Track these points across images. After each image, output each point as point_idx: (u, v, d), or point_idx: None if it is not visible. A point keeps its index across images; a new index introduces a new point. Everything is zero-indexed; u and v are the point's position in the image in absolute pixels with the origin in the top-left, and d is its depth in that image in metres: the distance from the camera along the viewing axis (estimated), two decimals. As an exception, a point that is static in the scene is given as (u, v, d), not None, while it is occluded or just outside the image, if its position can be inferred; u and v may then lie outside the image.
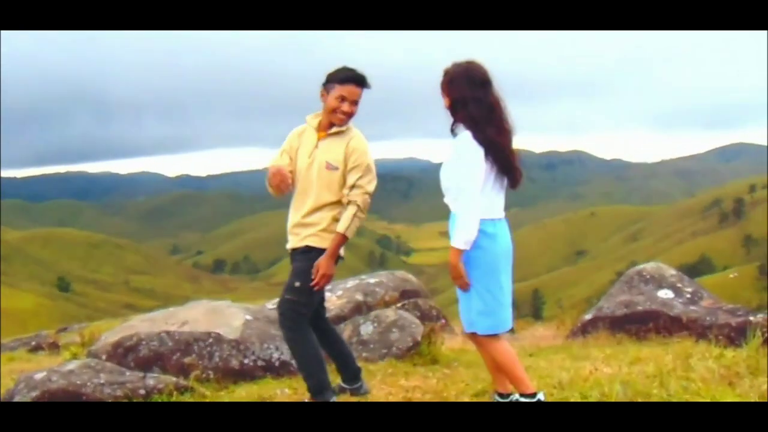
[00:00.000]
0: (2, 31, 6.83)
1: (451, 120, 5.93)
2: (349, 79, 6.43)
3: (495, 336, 5.90)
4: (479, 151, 5.63)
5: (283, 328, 6.60)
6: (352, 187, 6.44)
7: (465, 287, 5.80)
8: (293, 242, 6.60)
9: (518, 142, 5.89)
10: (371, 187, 6.53)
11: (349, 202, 6.44)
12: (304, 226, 6.53)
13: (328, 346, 7.04)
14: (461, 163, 5.69)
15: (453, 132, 5.94)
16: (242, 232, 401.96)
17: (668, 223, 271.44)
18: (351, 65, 6.40)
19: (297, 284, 6.45)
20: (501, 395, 6.12)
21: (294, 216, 6.60)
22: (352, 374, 7.14)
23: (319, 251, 6.44)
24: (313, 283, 6.36)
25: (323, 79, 6.56)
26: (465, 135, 5.72)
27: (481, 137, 5.63)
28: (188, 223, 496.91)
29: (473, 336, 6.04)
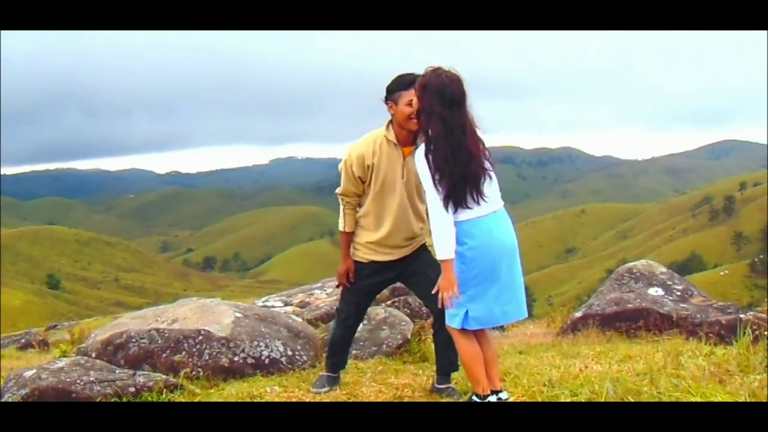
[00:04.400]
0: (-4, 31, 6.80)
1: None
2: (413, 82, 6.28)
3: (462, 331, 5.95)
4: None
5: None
6: None
7: (452, 296, 5.81)
8: (406, 252, 6.88)
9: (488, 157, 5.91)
10: None
11: None
12: (416, 237, 6.88)
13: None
14: (421, 180, 5.79)
15: (416, 138, 6.08)
16: (232, 229, 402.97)
17: (658, 220, 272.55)
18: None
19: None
20: (492, 392, 6.13)
21: (401, 231, 6.78)
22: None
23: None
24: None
25: (384, 93, 6.52)
26: (420, 151, 5.76)
27: (432, 154, 5.68)
28: (178, 221, 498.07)
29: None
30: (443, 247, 5.68)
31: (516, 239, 6.00)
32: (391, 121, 6.57)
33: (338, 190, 6.83)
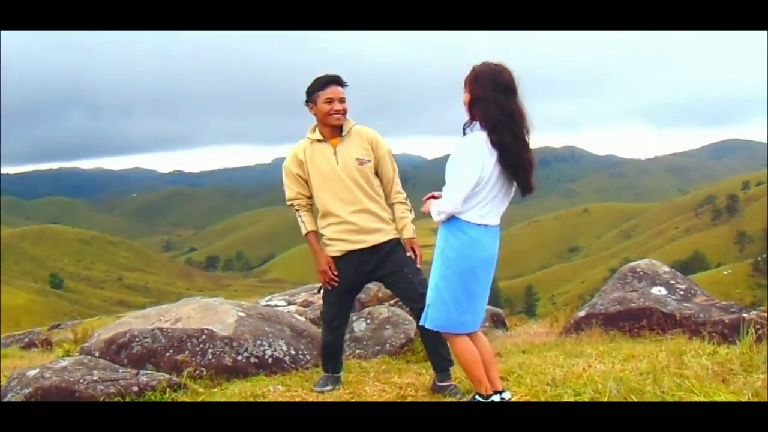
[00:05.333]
0: (-1, 31, 6.82)
1: (467, 117, 5.77)
2: (329, 82, 6.80)
3: (455, 335, 5.91)
4: (485, 151, 5.54)
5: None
6: (394, 188, 7.06)
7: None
8: (378, 238, 6.94)
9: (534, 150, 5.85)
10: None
11: (401, 202, 7.09)
12: (383, 222, 6.98)
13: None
14: (462, 155, 5.60)
15: (465, 130, 5.86)
16: (235, 228, 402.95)
17: (661, 219, 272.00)
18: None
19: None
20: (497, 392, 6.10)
21: (356, 207, 6.89)
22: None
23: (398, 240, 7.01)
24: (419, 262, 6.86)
25: (304, 97, 6.91)
26: (477, 133, 5.61)
27: (496, 140, 5.53)
28: (181, 220, 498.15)
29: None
30: (438, 208, 5.70)
31: (497, 255, 5.99)
32: (316, 126, 6.95)
33: (287, 200, 7.07)
